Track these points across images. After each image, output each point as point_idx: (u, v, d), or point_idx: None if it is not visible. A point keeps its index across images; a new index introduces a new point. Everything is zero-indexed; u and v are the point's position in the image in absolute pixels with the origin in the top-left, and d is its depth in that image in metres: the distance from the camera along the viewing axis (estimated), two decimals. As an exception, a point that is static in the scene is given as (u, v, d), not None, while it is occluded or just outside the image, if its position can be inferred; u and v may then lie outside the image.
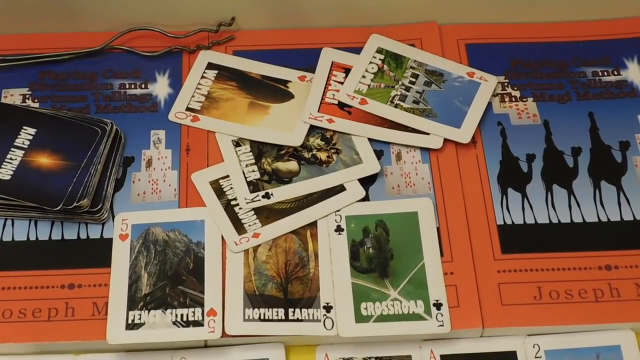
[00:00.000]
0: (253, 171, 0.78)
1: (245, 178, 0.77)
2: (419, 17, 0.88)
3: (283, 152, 0.79)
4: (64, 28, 0.87)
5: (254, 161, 0.78)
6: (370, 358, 0.70)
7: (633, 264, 0.72)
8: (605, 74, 0.84)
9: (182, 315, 0.69)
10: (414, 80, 0.83)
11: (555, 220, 0.75)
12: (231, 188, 0.77)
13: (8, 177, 0.75)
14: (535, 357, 0.70)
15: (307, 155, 0.79)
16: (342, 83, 0.83)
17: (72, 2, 0.86)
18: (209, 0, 0.86)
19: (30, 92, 0.83)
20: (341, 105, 0.81)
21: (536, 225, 0.75)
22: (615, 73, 0.84)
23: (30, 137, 0.78)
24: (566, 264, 0.73)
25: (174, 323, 0.68)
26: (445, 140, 0.79)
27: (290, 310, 0.70)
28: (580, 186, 0.77)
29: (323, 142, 0.80)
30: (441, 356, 0.70)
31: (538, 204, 0.76)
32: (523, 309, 0.70)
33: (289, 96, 0.83)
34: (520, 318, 0.70)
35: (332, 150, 0.79)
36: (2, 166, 0.76)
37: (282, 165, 0.78)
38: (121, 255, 0.72)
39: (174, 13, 0.87)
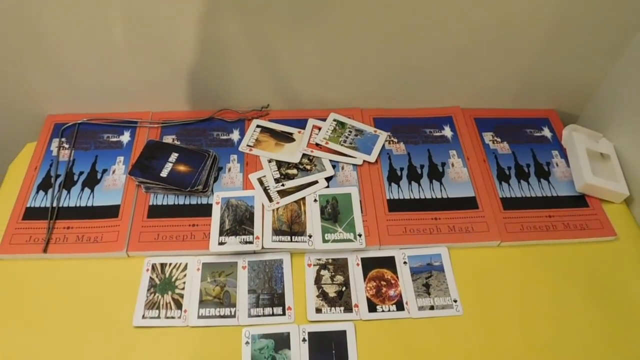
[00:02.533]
0: (276, 173, 0.79)
1: (273, 176, 0.79)
2: (353, 105, 0.88)
3: (290, 164, 0.80)
4: (192, 108, 0.87)
5: (277, 169, 0.80)
6: (328, 259, 0.72)
7: (448, 217, 0.75)
8: (435, 132, 0.86)
9: (244, 239, 0.71)
10: (349, 133, 0.84)
11: (412, 197, 0.77)
12: (267, 181, 0.78)
13: (165, 175, 0.76)
14: (403, 259, 0.72)
15: (301, 166, 0.80)
16: (317, 134, 0.84)
17: (199, 96, 0.86)
18: (258, 97, 0.86)
19: (175, 137, 0.84)
20: (317, 144, 0.83)
21: (403, 199, 0.77)
22: (439, 132, 0.86)
23: (175, 157, 0.79)
24: (417, 217, 0.75)
25: (240, 242, 0.71)
26: (364, 161, 0.81)
27: (293, 237, 0.72)
28: (423, 182, 0.79)
29: (308, 161, 0.81)
30: (361, 258, 0.72)
31: (405, 189, 0.78)
32: (398, 237, 0.73)
33: (293, 140, 0.84)
34: (396, 241, 0.73)
35: (312, 165, 0.81)
36: (163, 170, 0.77)
37: (290, 171, 0.79)
38: (216, 211, 0.75)
39: (243, 102, 0.87)
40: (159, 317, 0.66)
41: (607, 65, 0.82)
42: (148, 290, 0.69)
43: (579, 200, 0.78)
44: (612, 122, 0.84)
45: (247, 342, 0.64)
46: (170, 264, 0.71)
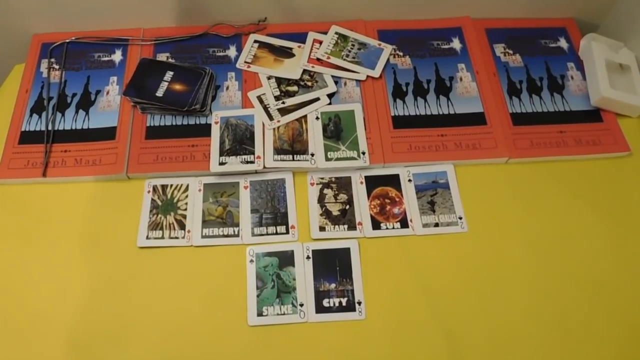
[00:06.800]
0: (276, 91, 0.76)
1: (273, 94, 0.76)
2: (356, 16, 0.83)
3: (290, 81, 0.77)
4: (185, 23, 0.82)
5: (277, 86, 0.77)
6: (332, 177, 0.70)
7: (455, 133, 0.72)
8: (442, 44, 0.81)
9: (244, 158, 0.70)
10: (352, 47, 0.80)
11: (418, 113, 0.74)
12: (267, 99, 0.75)
13: (161, 95, 0.73)
14: (407, 176, 0.70)
15: (301, 83, 0.77)
16: (318, 49, 0.80)
17: (191, 10, 0.80)
18: (254, 10, 0.81)
19: (169, 55, 0.80)
20: (318, 59, 0.79)
21: (409, 116, 0.74)
22: (447, 44, 0.81)
23: (170, 76, 0.76)
24: (422, 133, 0.72)
25: (241, 162, 0.69)
26: (367, 76, 0.77)
27: (295, 156, 0.70)
28: (430, 98, 0.76)
29: (309, 77, 0.78)
30: (365, 176, 0.70)
31: (410, 105, 0.75)
32: (402, 154, 0.71)
33: (292, 55, 0.80)
34: (401, 158, 0.71)
35: (314, 81, 0.77)
36: (158, 90, 0.74)
37: (290, 88, 0.76)
38: (215, 131, 0.73)
39: (238, 15, 0.82)
40: (162, 237, 0.66)
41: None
42: (150, 211, 0.68)
43: (593, 115, 0.75)
44: (636, 30, 0.79)
45: (251, 260, 0.64)
46: (171, 185, 0.70)
